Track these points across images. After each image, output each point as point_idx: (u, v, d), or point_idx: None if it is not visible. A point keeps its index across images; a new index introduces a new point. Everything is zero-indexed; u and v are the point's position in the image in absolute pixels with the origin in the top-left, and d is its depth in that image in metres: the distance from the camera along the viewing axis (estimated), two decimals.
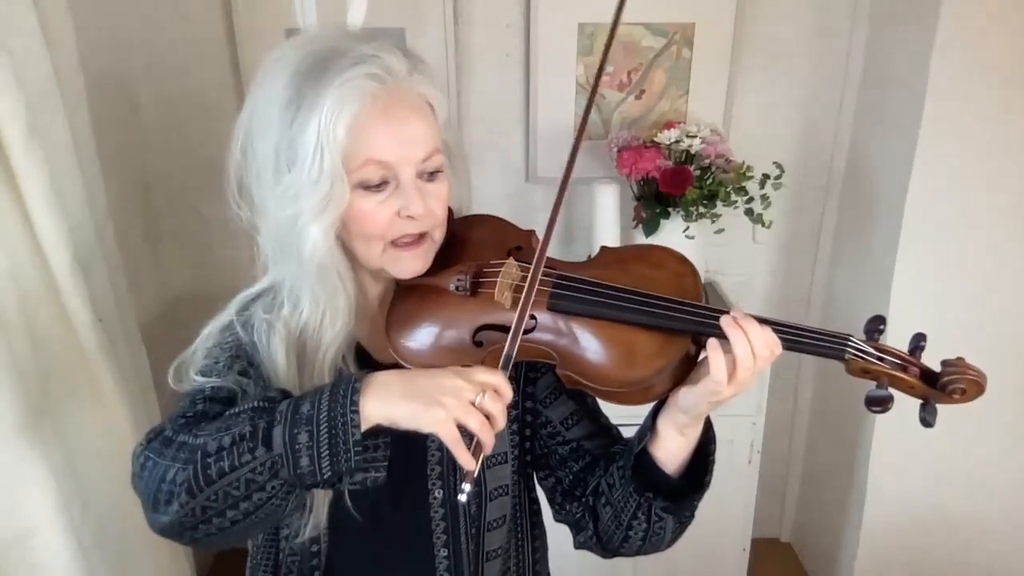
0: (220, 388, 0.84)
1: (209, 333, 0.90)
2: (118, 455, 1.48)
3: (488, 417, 0.72)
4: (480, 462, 0.72)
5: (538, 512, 1.08)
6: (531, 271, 0.82)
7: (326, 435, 0.71)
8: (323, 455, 0.71)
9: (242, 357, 0.88)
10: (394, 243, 0.87)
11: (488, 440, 0.72)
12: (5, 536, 1.29)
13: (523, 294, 0.82)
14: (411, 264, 0.88)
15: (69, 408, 1.39)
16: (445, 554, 0.96)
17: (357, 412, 0.71)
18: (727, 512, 2.02)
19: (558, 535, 1.04)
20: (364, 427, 0.71)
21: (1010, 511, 2.05)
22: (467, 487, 0.72)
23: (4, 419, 1.24)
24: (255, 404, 0.75)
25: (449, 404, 0.71)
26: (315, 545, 0.94)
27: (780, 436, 2.41)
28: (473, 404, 0.72)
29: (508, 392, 0.74)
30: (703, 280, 2.05)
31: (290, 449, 0.71)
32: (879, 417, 1.95)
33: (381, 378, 0.74)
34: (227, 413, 0.76)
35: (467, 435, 0.72)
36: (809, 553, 2.46)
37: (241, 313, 0.91)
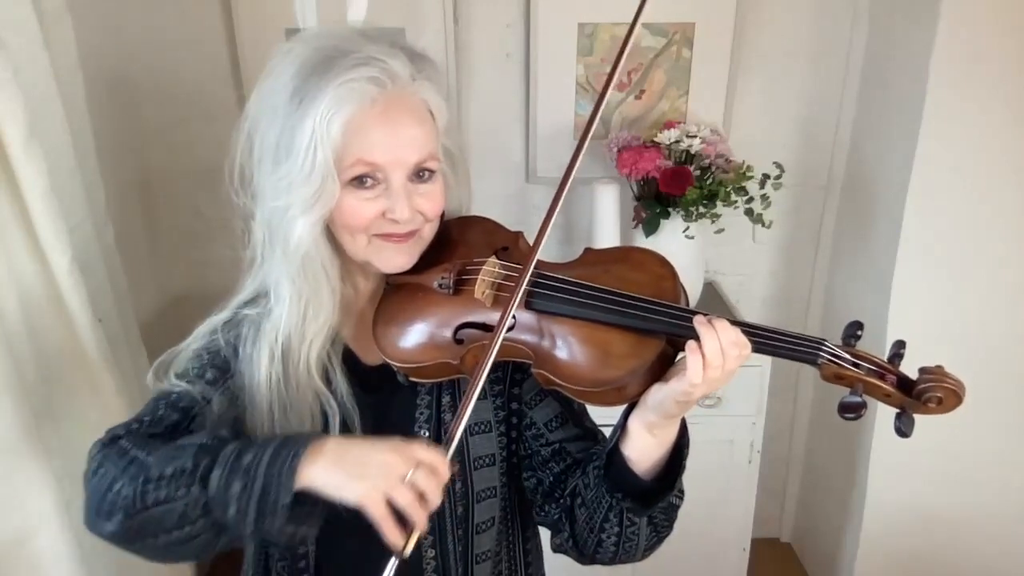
0: (183, 395, 0.87)
1: (199, 333, 0.92)
2: None
3: (421, 495, 0.72)
4: (414, 541, 0.72)
5: (531, 514, 1.07)
6: (519, 278, 0.83)
7: (259, 492, 0.72)
8: (251, 510, 0.72)
9: (218, 365, 0.90)
10: (380, 235, 0.87)
11: (419, 518, 0.72)
12: (5, 536, 1.29)
13: (506, 305, 0.83)
14: (395, 258, 0.89)
15: (69, 408, 1.39)
16: (432, 555, 0.96)
17: (293, 478, 0.72)
18: (727, 512, 2.02)
19: None
20: (296, 489, 0.72)
21: (1010, 512, 2.05)
22: (392, 562, 0.73)
23: (4, 419, 1.24)
24: (204, 441, 0.76)
25: (376, 478, 0.71)
26: (301, 546, 0.95)
27: (780, 436, 2.41)
28: (403, 480, 0.71)
29: (444, 471, 0.74)
30: (703, 280, 2.07)
31: (223, 495, 0.72)
32: (879, 418, 1.96)
33: (321, 445, 0.74)
34: (178, 442, 0.78)
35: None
36: (809, 553, 2.46)
37: (233, 315, 0.93)
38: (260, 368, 0.89)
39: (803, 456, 2.47)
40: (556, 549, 0.97)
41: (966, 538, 2.08)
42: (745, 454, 1.97)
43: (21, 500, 1.29)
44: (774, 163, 1.91)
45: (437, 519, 0.95)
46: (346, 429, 0.91)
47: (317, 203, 0.82)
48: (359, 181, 0.84)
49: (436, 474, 0.73)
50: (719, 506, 1.99)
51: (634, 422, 0.84)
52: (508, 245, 0.94)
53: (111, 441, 0.81)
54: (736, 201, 1.86)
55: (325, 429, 0.91)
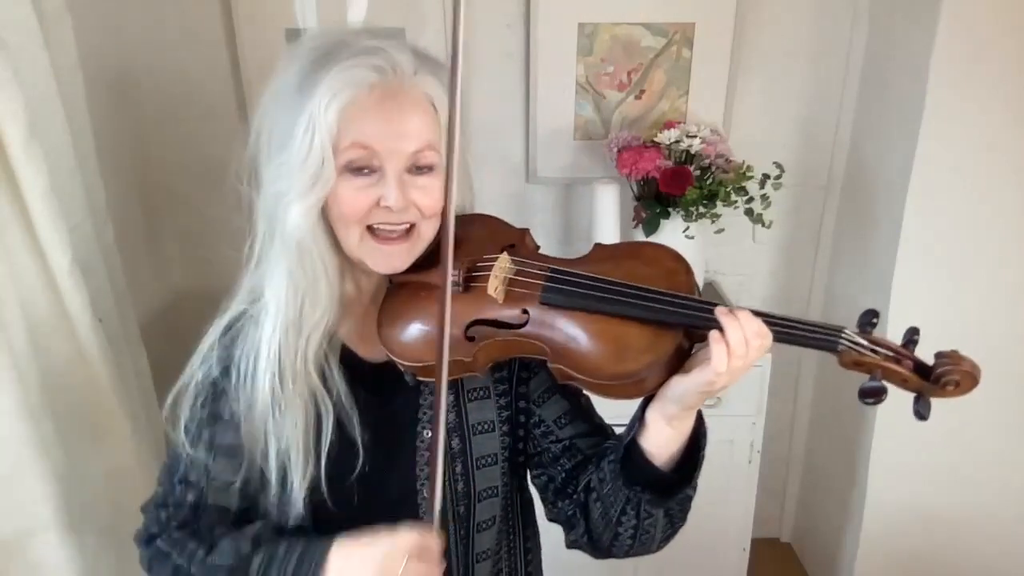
0: (191, 466, 0.93)
1: (198, 357, 0.93)
2: (118, 455, 1.48)
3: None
4: None
5: (531, 512, 1.08)
6: (442, 263, 0.81)
7: None
8: None
9: (216, 398, 0.92)
10: (374, 235, 0.87)
11: None
12: (5, 536, 1.29)
13: (519, 301, 0.83)
14: (389, 260, 0.88)
15: (69, 408, 1.39)
16: None
17: None
18: (727, 512, 2.03)
19: (558, 535, 1.04)
20: None
21: (1010, 512, 2.05)
22: None
23: (4, 419, 1.24)
24: (231, 563, 0.87)
25: None
26: None
27: (780, 436, 2.41)
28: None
29: (435, 549, 0.81)
30: (703, 280, 2.08)
31: None
32: (879, 417, 1.96)
33: (327, 561, 0.84)
34: (211, 563, 0.89)
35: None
36: (809, 553, 2.46)
37: (231, 321, 0.93)
38: (257, 371, 0.88)
39: (803, 456, 2.47)
40: (571, 545, 0.97)
41: (966, 538, 2.08)
42: (745, 454, 1.97)
43: (21, 500, 1.29)
44: (774, 163, 1.91)
45: (440, 519, 0.95)
46: (342, 429, 0.91)
47: (313, 187, 0.82)
48: (356, 169, 0.84)
49: (428, 554, 0.81)
50: (719, 506, 1.99)
51: (653, 414, 0.84)
52: (515, 242, 0.94)
53: (150, 539, 0.96)
54: (736, 201, 1.86)
55: (318, 430, 0.90)
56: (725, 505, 2.01)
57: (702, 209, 1.86)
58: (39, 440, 1.29)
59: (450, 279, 0.81)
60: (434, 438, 0.81)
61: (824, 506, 2.33)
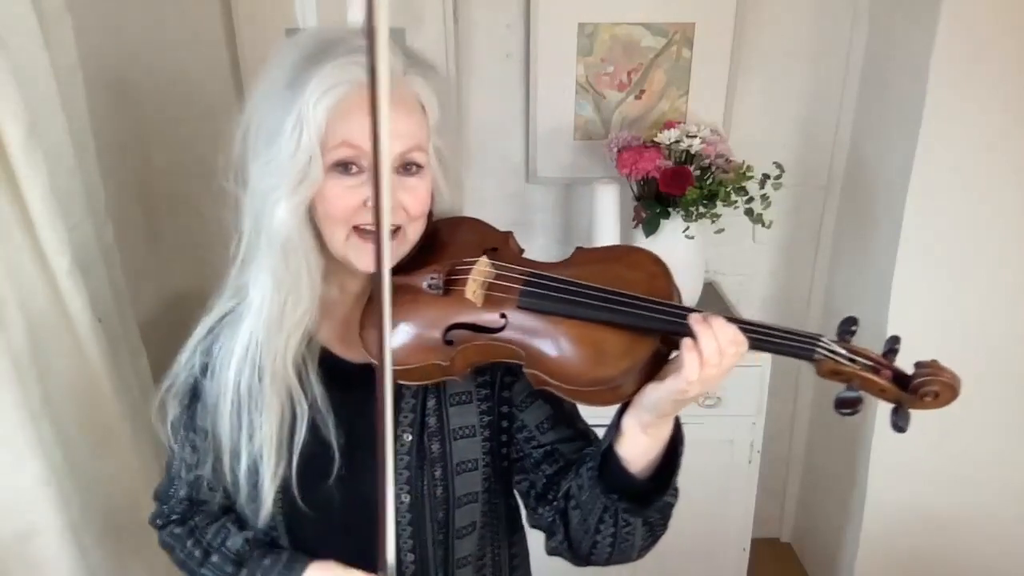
0: (179, 464, 1.01)
1: (184, 354, 0.96)
2: (118, 455, 1.48)
3: None
4: None
5: (518, 518, 1.06)
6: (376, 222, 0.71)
7: None
8: None
9: (194, 401, 0.97)
10: (360, 232, 0.86)
11: None
12: (5, 536, 1.29)
13: (498, 304, 0.82)
14: (373, 258, 0.87)
15: (68, 408, 1.39)
16: (412, 559, 0.95)
17: None
18: (727, 512, 2.02)
19: None
20: None
21: (1010, 512, 2.05)
22: None
23: (4, 419, 1.24)
24: None
25: None
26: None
27: (780, 436, 2.41)
28: None
29: None
30: (704, 280, 2.07)
31: None
32: (879, 417, 1.95)
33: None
34: (202, 573, 1.00)
35: None
36: (809, 553, 2.46)
37: (216, 325, 0.95)
38: (232, 366, 0.89)
39: (803, 456, 2.47)
40: (551, 552, 0.96)
41: (966, 538, 2.08)
42: (745, 454, 1.97)
43: (21, 500, 1.29)
44: (774, 163, 1.91)
45: (417, 523, 0.94)
46: (316, 432, 0.91)
47: (300, 185, 0.82)
48: (344, 168, 0.83)
49: None
50: (719, 506, 1.99)
51: (628, 422, 0.83)
52: (498, 245, 0.93)
53: (164, 524, 1.05)
54: (736, 201, 1.86)
55: (292, 431, 0.90)
56: (725, 505, 2.00)
57: (702, 209, 1.86)
58: (38, 440, 1.29)
59: (388, 284, 0.72)
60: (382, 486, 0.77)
61: (824, 506, 2.33)
